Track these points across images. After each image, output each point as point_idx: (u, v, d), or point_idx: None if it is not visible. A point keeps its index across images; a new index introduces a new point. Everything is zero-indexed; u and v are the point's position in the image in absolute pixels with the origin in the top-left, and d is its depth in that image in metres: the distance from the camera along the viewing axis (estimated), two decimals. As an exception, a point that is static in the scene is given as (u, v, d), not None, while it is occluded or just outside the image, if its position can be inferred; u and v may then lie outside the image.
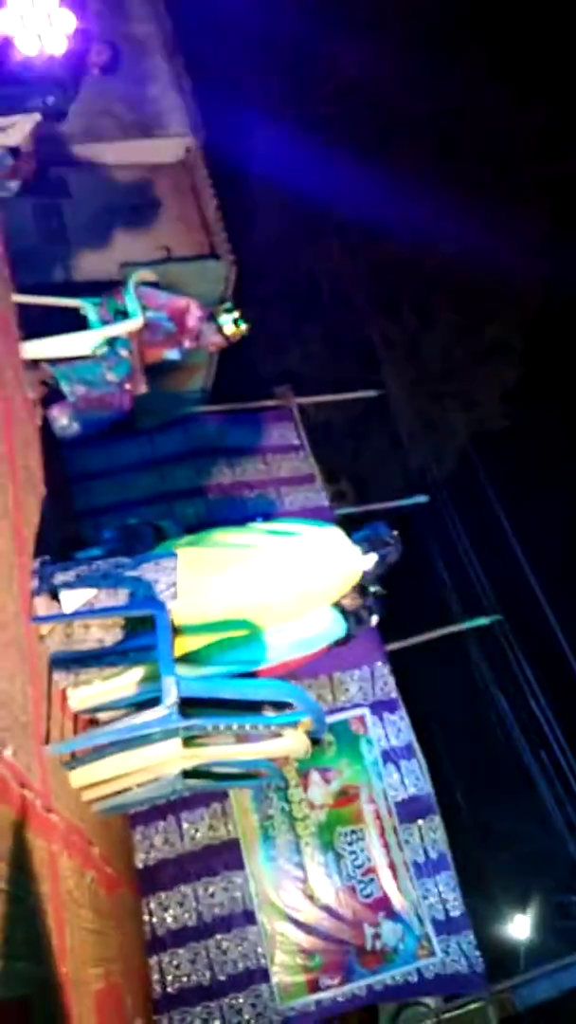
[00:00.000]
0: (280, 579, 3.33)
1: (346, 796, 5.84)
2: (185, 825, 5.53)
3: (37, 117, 5.22)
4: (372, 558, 3.53)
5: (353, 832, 5.69)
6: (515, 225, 13.08)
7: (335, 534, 3.57)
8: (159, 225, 9.16)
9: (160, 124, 9.36)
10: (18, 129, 5.23)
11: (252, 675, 3.46)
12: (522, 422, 14.16)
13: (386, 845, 5.66)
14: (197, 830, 5.53)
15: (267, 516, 5.06)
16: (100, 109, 9.03)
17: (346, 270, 13.68)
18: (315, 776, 5.85)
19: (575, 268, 13.13)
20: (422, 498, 8.10)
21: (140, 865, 5.37)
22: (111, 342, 4.31)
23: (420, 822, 5.80)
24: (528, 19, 12.56)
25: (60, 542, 4.51)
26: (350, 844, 5.64)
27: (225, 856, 5.47)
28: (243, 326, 4.60)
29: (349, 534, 3.57)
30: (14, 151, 5.40)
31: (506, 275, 13.34)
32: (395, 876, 5.59)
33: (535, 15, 12.59)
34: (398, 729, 6.13)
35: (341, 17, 12.35)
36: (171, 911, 5.31)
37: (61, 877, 2.33)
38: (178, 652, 3.17)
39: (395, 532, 3.59)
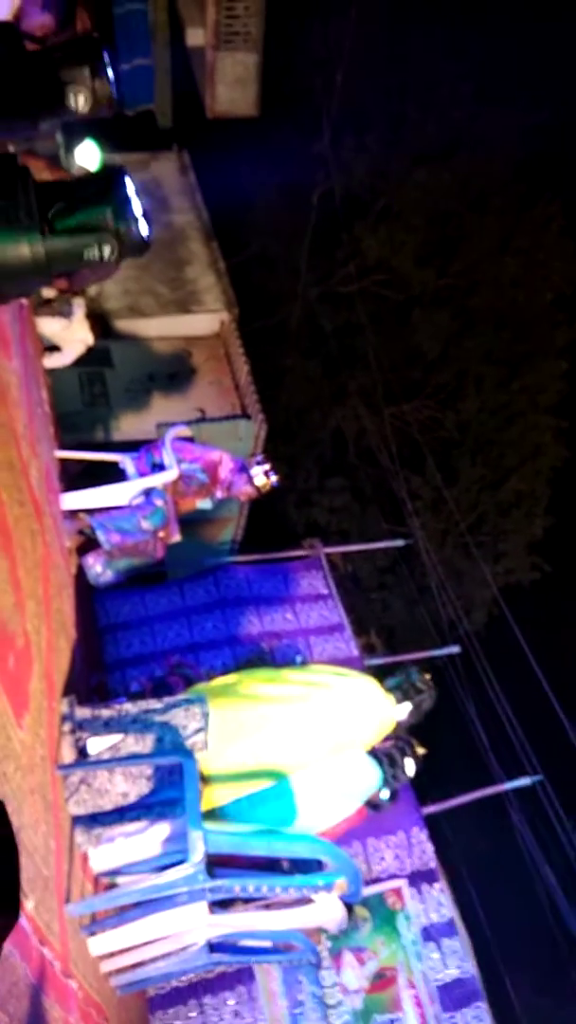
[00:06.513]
0: (314, 735, 3.26)
1: (383, 979, 5.32)
2: (208, 1011, 5.04)
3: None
4: (407, 707, 3.46)
5: (391, 1021, 5.14)
6: (534, 384, 13.70)
7: (368, 685, 3.52)
8: (194, 390, 9.71)
9: (197, 301, 10.16)
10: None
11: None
12: (551, 573, 14.13)
13: (428, 1038, 5.09)
14: (221, 1017, 5.03)
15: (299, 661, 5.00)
16: (143, 289, 9.87)
17: (371, 429, 14.24)
18: (349, 957, 5.36)
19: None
20: (454, 648, 7.95)
21: (158, 1057, 4.87)
22: (147, 492, 4.48)
23: (465, 1010, 5.23)
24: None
25: (88, 691, 4.48)
26: (388, 1036, 5.09)
27: (252, 1048, 4.95)
28: (273, 478, 4.76)
29: (381, 681, 3.51)
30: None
31: (526, 430, 13.81)
32: (438, 1075, 5.00)
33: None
34: (438, 903, 5.66)
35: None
36: None
37: (75, 1057, 2.13)
38: (205, 806, 3.05)
39: (428, 676, 3.53)
